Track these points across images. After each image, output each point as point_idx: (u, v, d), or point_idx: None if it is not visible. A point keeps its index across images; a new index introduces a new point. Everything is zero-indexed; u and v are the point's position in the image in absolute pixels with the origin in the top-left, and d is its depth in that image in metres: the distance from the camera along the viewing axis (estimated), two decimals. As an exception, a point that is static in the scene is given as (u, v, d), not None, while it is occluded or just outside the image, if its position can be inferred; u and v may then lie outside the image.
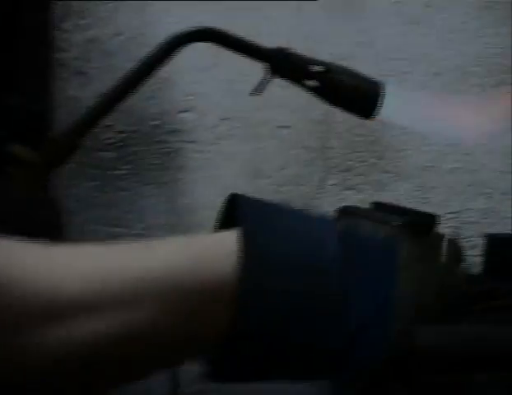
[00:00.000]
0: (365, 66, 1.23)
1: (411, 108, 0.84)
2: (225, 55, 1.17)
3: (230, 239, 0.31)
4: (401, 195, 1.30)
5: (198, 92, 1.18)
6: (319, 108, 1.20)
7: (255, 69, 1.18)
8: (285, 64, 0.78)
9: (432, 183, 1.32)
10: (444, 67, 1.31)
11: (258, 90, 0.80)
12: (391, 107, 0.82)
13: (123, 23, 1.17)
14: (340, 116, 1.22)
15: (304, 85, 0.79)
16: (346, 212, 1.06)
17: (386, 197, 1.27)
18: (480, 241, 1.26)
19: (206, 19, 1.15)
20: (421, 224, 1.06)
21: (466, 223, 1.36)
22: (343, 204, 1.23)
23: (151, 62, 0.78)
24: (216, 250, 0.31)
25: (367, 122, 1.23)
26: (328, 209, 1.24)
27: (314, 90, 0.79)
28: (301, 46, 1.20)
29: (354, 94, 0.80)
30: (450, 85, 1.31)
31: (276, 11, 1.20)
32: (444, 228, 1.34)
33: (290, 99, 1.20)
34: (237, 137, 1.20)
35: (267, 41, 1.17)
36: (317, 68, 0.78)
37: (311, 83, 0.78)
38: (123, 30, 1.17)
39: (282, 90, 1.18)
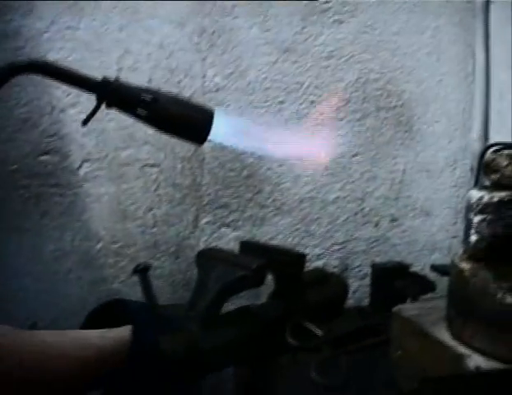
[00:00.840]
0: (238, 97, 1.21)
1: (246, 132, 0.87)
2: (85, 94, 1.13)
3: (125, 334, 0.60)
4: (282, 229, 1.27)
5: (59, 133, 1.14)
6: (188, 144, 1.18)
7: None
8: (112, 94, 0.76)
9: (315, 214, 1.30)
10: (320, 95, 1.28)
11: (86, 120, 0.78)
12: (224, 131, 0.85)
13: None
14: (211, 152, 1.19)
15: (134, 115, 0.79)
16: (205, 256, 1.03)
17: (266, 233, 1.24)
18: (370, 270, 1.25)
19: (56, 56, 1.12)
20: (282, 264, 1.03)
21: (353, 253, 1.34)
22: (219, 242, 1.20)
23: None
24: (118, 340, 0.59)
25: (240, 156, 1.21)
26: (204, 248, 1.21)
27: (145, 119, 0.79)
28: (167, 80, 1.18)
29: (183, 121, 0.81)
30: (329, 112, 1.29)
31: (138, 46, 1.17)
32: (331, 260, 1.33)
33: (157, 137, 1.16)
34: (102, 179, 1.16)
35: (130, 76, 1.14)
36: (145, 98, 0.77)
37: (141, 112, 0.78)
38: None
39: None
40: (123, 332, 0.60)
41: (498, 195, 0.78)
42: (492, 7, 1.42)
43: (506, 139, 1.33)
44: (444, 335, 0.80)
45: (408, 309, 0.94)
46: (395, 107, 1.35)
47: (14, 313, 1.14)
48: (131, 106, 0.78)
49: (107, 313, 0.68)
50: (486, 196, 0.79)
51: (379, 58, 1.33)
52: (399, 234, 1.38)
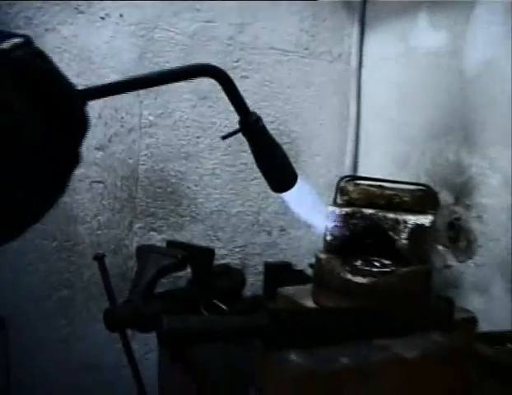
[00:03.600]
0: (166, 132, 1.67)
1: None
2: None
3: None
4: (196, 234, 1.74)
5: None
6: (127, 166, 1.63)
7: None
8: (254, 131, 0.88)
9: (221, 224, 1.78)
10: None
11: (226, 136, 0.94)
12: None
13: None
14: (144, 173, 1.65)
15: (254, 147, 0.92)
16: (144, 250, 1.48)
17: (184, 237, 1.71)
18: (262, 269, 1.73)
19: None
20: (196, 257, 1.50)
21: (251, 255, 1.83)
22: (148, 243, 1.66)
23: None
24: None
25: (167, 177, 1.67)
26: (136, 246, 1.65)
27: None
28: (112, 117, 1.62)
29: (282, 169, 0.98)
30: (236, 146, 1.78)
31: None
32: (234, 259, 1.83)
33: (103, 160, 1.60)
34: (58, 191, 1.57)
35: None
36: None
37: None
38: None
39: (96, 151, 1.59)
40: None
41: (345, 210, 1.23)
42: (364, 70, 1.96)
43: (371, 171, 1.87)
44: (308, 301, 1.23)
45: (287, 290, 1.40)
46: (286, 143, 1.85)
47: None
48: (259, 142, 0.90)
49: None
50: (337, 210, 1.24)
51: (275, 106, 1.84)
52: (287, 241, 1.89)
